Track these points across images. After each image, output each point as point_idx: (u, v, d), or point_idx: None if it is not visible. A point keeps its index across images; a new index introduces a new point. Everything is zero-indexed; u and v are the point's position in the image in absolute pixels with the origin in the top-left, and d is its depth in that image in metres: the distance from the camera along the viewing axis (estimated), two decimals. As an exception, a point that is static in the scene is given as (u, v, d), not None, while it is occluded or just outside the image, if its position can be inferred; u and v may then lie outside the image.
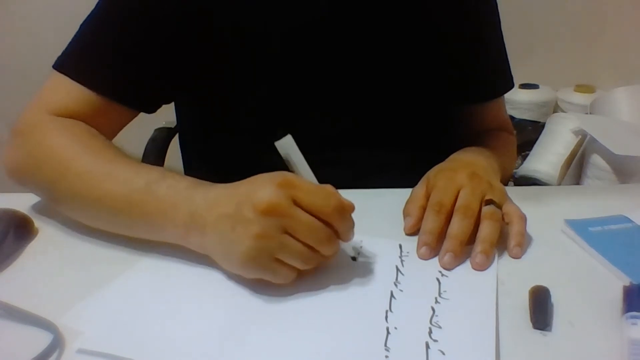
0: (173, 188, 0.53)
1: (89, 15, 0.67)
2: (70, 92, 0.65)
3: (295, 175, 0.50)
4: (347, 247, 0.54)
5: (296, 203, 0.47)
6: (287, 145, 0.50)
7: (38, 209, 0.64)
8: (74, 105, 0.64)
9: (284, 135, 0.50)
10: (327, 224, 0.48)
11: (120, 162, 0.58)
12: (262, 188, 0.47)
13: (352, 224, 0.51)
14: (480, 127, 0.86)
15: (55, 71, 0.66)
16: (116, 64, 0.66)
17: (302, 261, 0.48)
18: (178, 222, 0.51)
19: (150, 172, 0.56)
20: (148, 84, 0.68)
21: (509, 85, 0.85)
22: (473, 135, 0.82)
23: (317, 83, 0.71)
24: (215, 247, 0.50)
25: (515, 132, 0.95)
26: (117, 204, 0.55)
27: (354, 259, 0.55)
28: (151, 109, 0.71)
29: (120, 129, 0.70)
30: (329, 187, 0.50)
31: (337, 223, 0.49)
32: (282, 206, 0.46)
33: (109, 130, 0.68)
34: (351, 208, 0.50)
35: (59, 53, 0.67)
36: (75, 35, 0.67)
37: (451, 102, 0.81)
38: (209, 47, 0.68)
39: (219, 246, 0.50)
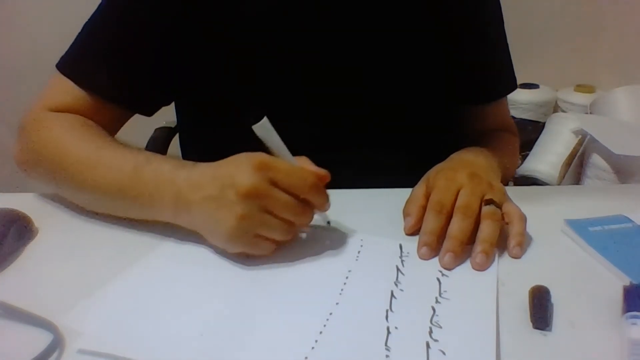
0: (157, 171, 0.56)
1: (90, 17, 0.69)
2: (68, 91, 0.68)
3: (271, 158, 0.52)
4: (322, 215, 0.58)
5: (274, 184, 0.51)
6: (263, 128, 0.52)
7: (38, 209, 0.64)
8: (71, 104, 0.67)
9: (260, 118, 0.53)
10: (303, 199, 0.53)
11: (110, 149, 0.61)
12: (242, 172, 0.51)
13: (327, 195, 0.55)
14: (483, 128, 0.85)
15: (57, 71, 0.68)
16: (111, 65, 0.68)
17: (282, 234, 0.53)
18: (165, 203, 0.55)
19: (137, 156, 0.59)
20: (145, 85, 0.70)
21: (512, 86, 0.85)
22: (475, 135, 0.82)
23: (317, 82, 0.71)
24: (203, 225, 0.54)
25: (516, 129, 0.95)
26: (109, 189, 0.58)
27: (328, 223, 0.60)
28: (148, 110, 0.73)
29: (118, 128, 0.73)
30: (304, 163, 0.55)
31: (314, 198, 0.53)
32: (261, 189, 0.50)
33: (106, 128, 0.69)
34: (326, 178, 0.54)
35: (59, 54, 0.69)
36: (76, 37, 0.69)
37: (454, 102, 0.80)
38: (207, 47, 0.69)
39: (205, 224, 0.54)
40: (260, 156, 0.52)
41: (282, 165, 0.52)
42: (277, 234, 0.53)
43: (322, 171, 0.54)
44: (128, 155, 0.60)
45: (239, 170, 0.51)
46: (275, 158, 0.53)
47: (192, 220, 0.55)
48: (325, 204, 0.55)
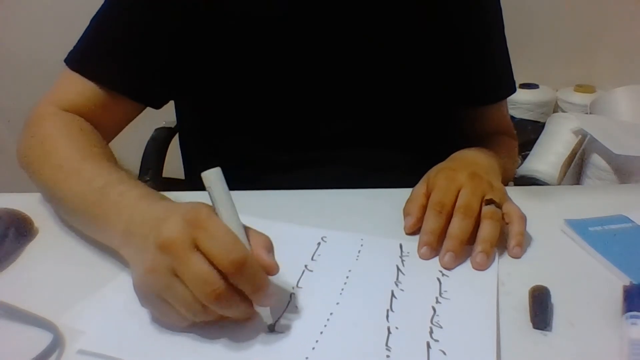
0: (123, 195, 0.52)
1: (97, 12, 0.69)
2: (76, 85, 0.67)
3: (210, 214, 0.42)
4: (263, 311, 0.45)
5: (197, 246, 0.41)
6: (211, 178, 0.43)
7: (38, 209, 0.64)
8: (79, 99, 0.67)
9: (214, 166, 0.44)
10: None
11: (92, 161, 0.58)
12: (171, 221, 0.42)
13: (261, 286, 0.42)
14: (482, 130, 0.85)
15: (65, 66, 0.68)
16: (120, 57, 0.68)
17: (189, 312, 0.42)
18: (117, 230, 0.49)
19: (111, 175, 0.55)
20: (153, 78, 0.70)
21: (512, 89, 0.85)
22: (475, 138, 0.82)
23: (317, 82, 0.71)
24: (129, 264, 0.48)
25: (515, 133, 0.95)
26: (75, 201, 0.55)
27: (270, 327, 0.45)
28: (157, 103, 0.73)
29: (125, 125, 0.72)
30: (257, 241, 0.44)
31: (236, 280, 0.41)
32: (176, 245, 0.41)
33: (112, 125, 0.69)
34: (271, 269, 0.43)
35: (60, 53, 0.69)
36: (84, 32, 0.69)
37: (453, 104, 0.80)
38: (212, 42, 0.69)
39: (130, 264, 0.48)
40: (202, 210, 0.42)
41: (214, 226, 0.41)
42: (181, 306, 0.42)
43: (268, 260, 0.43)
44: (105, 171, 0.56)
45: (172, 217, 0.42)
46: (215, 218, 0.42)
47: (128, 255, 0.48)
48: (256, 293, 0.42)
